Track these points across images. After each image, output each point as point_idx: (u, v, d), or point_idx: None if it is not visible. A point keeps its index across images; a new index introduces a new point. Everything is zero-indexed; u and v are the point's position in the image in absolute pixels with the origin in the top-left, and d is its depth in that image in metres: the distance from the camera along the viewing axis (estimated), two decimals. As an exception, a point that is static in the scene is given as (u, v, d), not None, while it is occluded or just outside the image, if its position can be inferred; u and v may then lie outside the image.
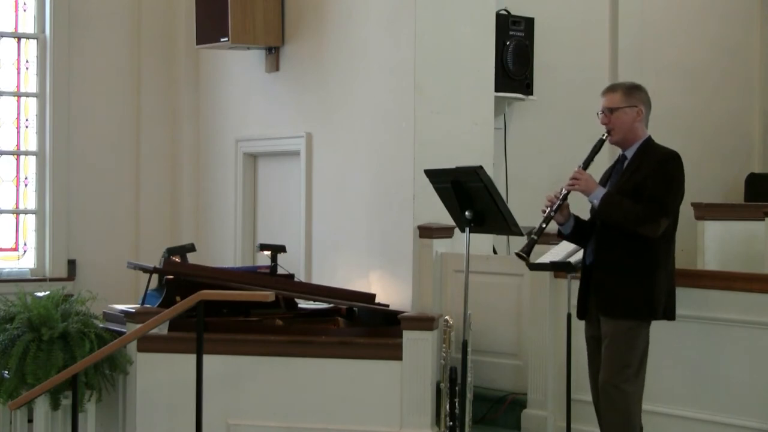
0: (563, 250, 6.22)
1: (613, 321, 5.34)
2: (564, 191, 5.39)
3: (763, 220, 7.75)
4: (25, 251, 9.82)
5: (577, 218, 5.51)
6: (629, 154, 5.45)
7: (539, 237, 5.43)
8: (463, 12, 7.90)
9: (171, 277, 7.40)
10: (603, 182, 5.52)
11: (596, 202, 5.35)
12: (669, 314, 5.41)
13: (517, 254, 5.47)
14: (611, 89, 5.51)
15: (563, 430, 6.47)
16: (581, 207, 5.59)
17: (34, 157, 9.79)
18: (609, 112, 5.43)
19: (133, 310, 7.12)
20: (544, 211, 5.40)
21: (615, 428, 5.35)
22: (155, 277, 7.50)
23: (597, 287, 5.41)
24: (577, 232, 5.52)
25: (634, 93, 5.45)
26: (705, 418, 6.00)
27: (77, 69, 9.82)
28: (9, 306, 7.23)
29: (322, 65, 8.63)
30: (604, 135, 5.45)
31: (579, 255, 5.94)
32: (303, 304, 7.84)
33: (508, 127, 8.90)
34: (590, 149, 5.45)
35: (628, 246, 5.28)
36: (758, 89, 10.50)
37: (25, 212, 9.82)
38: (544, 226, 5.41)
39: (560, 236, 5.67)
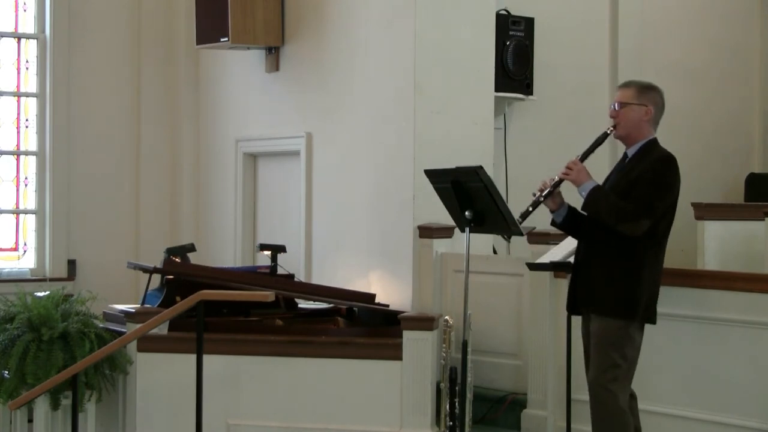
0: (563, 250, 6.22)
1: (599, 319, 5.34)
2: (556, 179, 5.40)
3: (763, 220, 7.74)
4: (25, 251, 9.82)
5: (573, 209, 5.50)
6: (631, 152, 5.45)
7: (524, 220, 5.46)
8: (463, 12, 7.90)
9: (171, 277, 7.40)
10: (605, 180, 5.52)
11: (584, 194, 5.36)
12: (649, 318, 5.38)
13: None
14: (626, 84, 5.52)
15: (563, 430, 6.47)
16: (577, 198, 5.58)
17: (34, 157, 9.79)
18: (618, 106, 5.44)
19: (133, 310, 7.12)
20: (535, 195, 5.42)
21: (603, 427, 5.34)
22: (155, 277, 7.50)
23: (582, 282, 5.44)
24: (570, 221, 5.52)
25: (646, 93, 5.45)
26: (705, 418, 6.00)
27: (77, 69, 9.82)
28: (9, 306, 7.23)
29: (322, 65, 8.63)
30: (609, 129, 5.46)
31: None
32: (303, 304, 7.85)
33: (508, 127, 8.90)
34: (593, 140, 5.45)
35: (616, 245, 5.28)
36: (758, 89, 10.49)
37: (25, 212, 9.82)
38: (530, 209, 5.44)
39: (552, 224, 5.67)
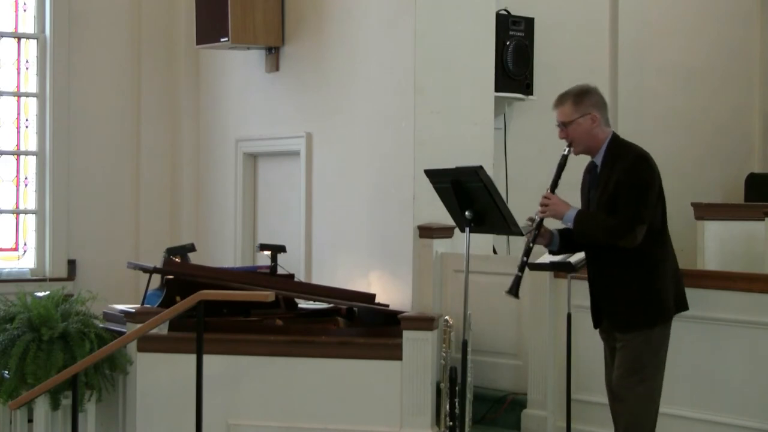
0: (563, 250, 6.21)
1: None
2: (537, 218, 5.30)
3: (763, 220, 7.75)
4: (25, 251, 9.83)
5: (563, 231, 5.41)
6: (599, 160, 5.32)
7: (523, 272, 5.37)
8: (463, 12, 7.90)
9: (171, 277, 7.40)
10: (584, 198, 5.42)
11: (570, 224, 5.26)
12: (681, 308, 5.34)
13: (507, 293, 5.41)
14: (560, 102, 5.38)
15: (563, 430, 6.48)
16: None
17: (34, 157, 9.79)
18: (563, 126, 5.34)
19: (133, 310, 7.12)
20: (526, 237, 5.33)
21: (627, 428, 5.29)
22: (155, 277, 7.50)
23: (606, 306, 5.31)
24: (566, 244, 5.44)
25: (582, 100, 5.32)
26: (705, 418, 6.00)
27: (77, 69, 9.82)
28: (9, 306, 7.23)
29: (322, 65, 8.63)
30: (565, 150, 5.35)
31: (579, 255, 5.93)
32: (303, 304, 7.85)
33: (508, 127, 8.91)
34: (555, 168, 5.33)
35: (623, 258, 5.19)
36: (758, 89, 10.50)
37: (25, 212, 9.83)
38: (525, 259, 5.33)
39: (552, 254, 5.63)
